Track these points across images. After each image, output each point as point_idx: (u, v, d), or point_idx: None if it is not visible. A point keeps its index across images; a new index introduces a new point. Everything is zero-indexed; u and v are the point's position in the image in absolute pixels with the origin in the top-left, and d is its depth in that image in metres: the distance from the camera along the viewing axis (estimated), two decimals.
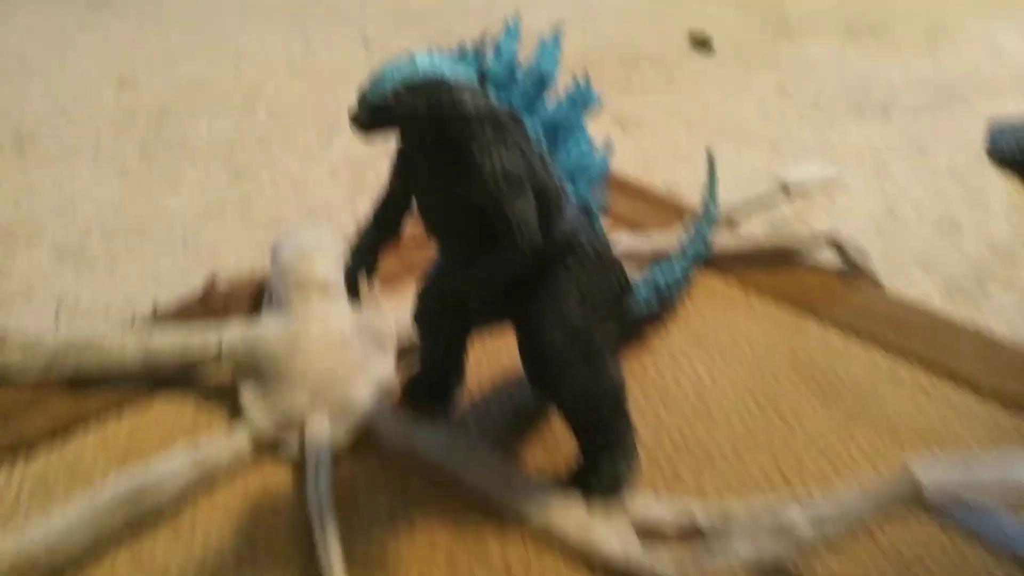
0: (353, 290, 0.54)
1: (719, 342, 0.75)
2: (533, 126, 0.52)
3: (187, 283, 0.81)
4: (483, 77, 0.49)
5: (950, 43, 1.72)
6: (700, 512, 0.55)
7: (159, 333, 0.67)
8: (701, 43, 1.61)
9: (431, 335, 0.62)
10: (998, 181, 1.12)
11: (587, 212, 0.56)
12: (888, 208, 1.03)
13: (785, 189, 0.92)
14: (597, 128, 0.59)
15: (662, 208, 0.97)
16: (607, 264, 0.56)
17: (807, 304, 0.81)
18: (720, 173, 0.83)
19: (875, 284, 0.86)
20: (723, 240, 0.85)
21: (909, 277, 0.88)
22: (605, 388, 0.54)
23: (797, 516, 0.51)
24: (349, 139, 1.14)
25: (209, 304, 0.75)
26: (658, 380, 0.70)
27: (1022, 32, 1.82)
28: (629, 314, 0.63)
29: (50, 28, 1.53)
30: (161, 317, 0.74)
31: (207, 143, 1.11)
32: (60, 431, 0.62)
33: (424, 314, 0.61)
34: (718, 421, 0.66)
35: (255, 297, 0.77)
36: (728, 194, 0.92)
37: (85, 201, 0.95)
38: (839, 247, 0.86)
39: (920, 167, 1.15)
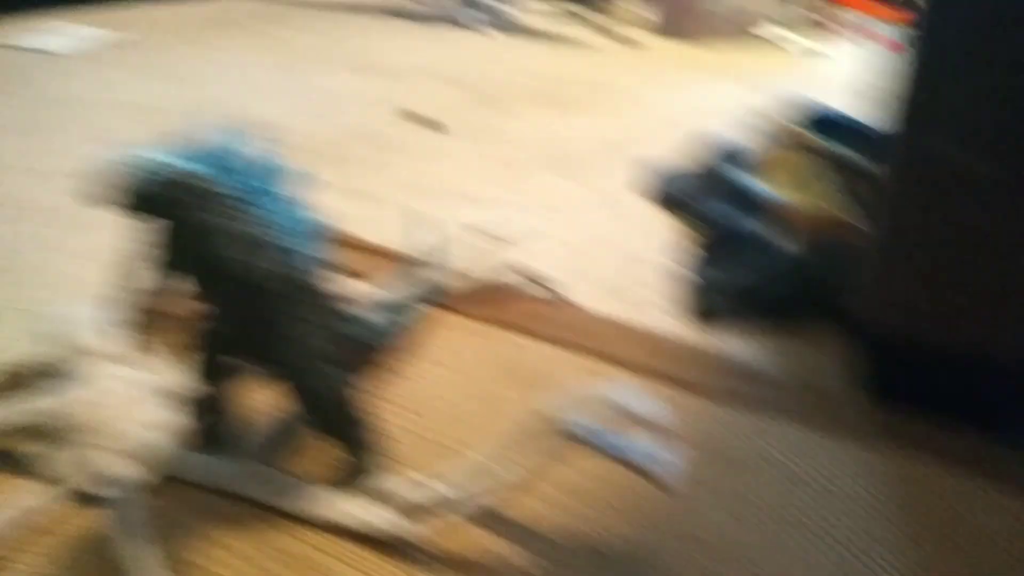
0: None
1: (447, 360, 0.99)
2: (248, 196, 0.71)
3: None
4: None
5: (627, 110, 2.15)
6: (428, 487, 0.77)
7: None
8: (427, 123, 1.89)
9: (207, 380, 0.79)
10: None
11: (311, 261, 0.75)
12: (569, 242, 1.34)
13: (492, 237, 1.19)
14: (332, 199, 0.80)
15: (387, 261, 1.19)
16: (327, 300, 0.75)
17: (508, 321, 1.07)
18: (434, 226, 1.08)
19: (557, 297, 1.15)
20: (450, 282, 1.10)
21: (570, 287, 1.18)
22: (331, 390, 0.75)
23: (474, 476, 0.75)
24: None
25: None
26: (401, 394, 0.92)
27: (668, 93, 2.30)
28: (355, 339, 0.83)
29: None
30: None
31: None
32: None
33: (204, 369, 0.78)
34: (448, 418, 0.89)
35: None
36: (441, 243, 1.17)
37: None
38: (536, 280, 1.15)
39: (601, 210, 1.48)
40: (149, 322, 0.72)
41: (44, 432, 0.77)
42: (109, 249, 1.18)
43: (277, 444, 0.83)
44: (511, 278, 1.15)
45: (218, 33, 2.74)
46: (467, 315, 1.08)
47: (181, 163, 0.65)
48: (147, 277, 0.71)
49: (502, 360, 1.00)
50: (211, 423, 0.82)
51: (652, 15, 3.22)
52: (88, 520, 0.73)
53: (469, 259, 1.23)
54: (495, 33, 2.99)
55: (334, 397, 0.74)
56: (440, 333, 1.04)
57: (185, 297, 0.73)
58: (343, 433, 0.76)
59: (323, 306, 0.75)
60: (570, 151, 1.78)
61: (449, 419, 0.89)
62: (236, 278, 0.67)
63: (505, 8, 3.08)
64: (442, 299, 1.10)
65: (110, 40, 2.52)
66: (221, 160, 0.68)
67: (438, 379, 0.96)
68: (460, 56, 2.60)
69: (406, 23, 3.07)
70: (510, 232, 1.23)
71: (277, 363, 0.74)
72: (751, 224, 1.29)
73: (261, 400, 0.88)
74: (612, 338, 1.05)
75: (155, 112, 1.87)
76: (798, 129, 1.50)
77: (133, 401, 0.80)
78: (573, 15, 3.37)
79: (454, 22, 3.09)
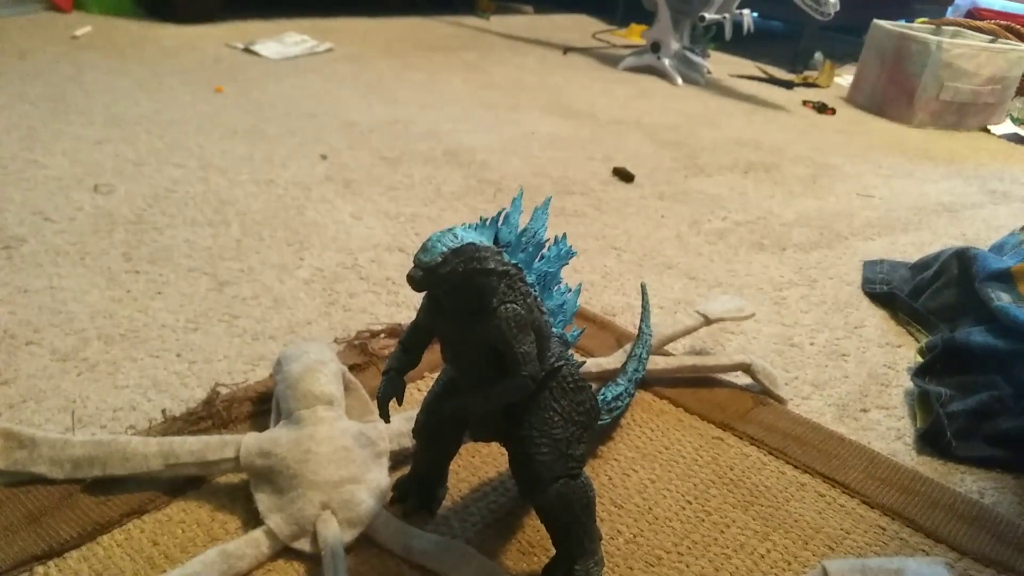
0: (384, 412, 0.65)
1: (655, 452, 0.89)
2: (530, 278, 0.66)
3: (186, 390, 0.90)
4: (497, 242, 0.63)
5: (830, 186, 2.00)
6: None
7: (179, 439, 0.75)
8: (624, 175, 1.82)
9: (428, 447, 0.74)
10: (872, 312, 1.34)
11: (565, 344, 0.70)
12: (785, 335, 1.22)
13: (705, 320, 1.09)
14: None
15: (604, 332, 1.12)
16: (581, 388, 0.69)
17: (725, 420, 0.96)
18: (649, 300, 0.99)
19: (780, 403, 1.02)
20: (656, 363, 1.00)
21: (804, 396, 1.06)
22: (581, 496, 0.66)
23: None
24: (317, 255, 1.25)
25: (213, 413, 0.84)
26: (608, 485, 0.83)
27: (883, 177, 2.13)
28: (595, 427, 0.76)
29: (17, 130, 1.59)
30: (171, 424, 0.82)
31: (187, 253, 1.20)
32: (88, 536, 0.69)
33: (426, 428, 0.72)
34: (660, 523, 0.79)
35: (255, 407, 0.86)
36: (655, 320, 1.08)
37: (79, 305, 1.02)
38: (751, 372, 1.03)
39: (810, 298, 1.35)
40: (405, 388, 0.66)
41: (267, 471, 0.73)
42: (332, 271, 1.18)
43: (487, 525, 0.75)
44: (731, 370, 1.04)
45: (420, 53, 2.80)
46: (677, 403, 0.98)
47: (491, 246, 0.60)
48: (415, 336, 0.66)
49: (721, 466, 0.89)
50: (422, 489, 0.76)
51: (854, 87, 3.04)
52: (291, 572, 0.68)
53: (685, 338, 1.13)
54: (692, 86, 2.90)
55: (573, 499, 0.66)
56: (646, 419, 0.95)
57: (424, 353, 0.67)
58: (568, 536, 0.68)
59: (575, 391, 0.68)
60: (779, 229, 1.66)
61: (660, 522, 0.79)
62: (523, 369, 0.61)
63: (705, 63, 2.98)
64: (653, 380, 1.01)
65: (317, 49, 2.61)
66: (528, 245, 0.63)
67: (646, 473, 0.86)
68: (656, 107, 2.53)
69: (598, 65, 3.04)
70: (733, 316, 1.12)
71: (520, 449, 0.66)
72: (1003, 345, 1.13)
73: (480, 474, 0.82)
74: (843, 461, 0.92)
75: (362, 128, 1.90)
76: None
77: (348, 453, 0.75)
78: (771, 77, 3.23)
79: (652, 71, 3.02)
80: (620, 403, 0.89)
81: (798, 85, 3.24)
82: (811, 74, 3.40)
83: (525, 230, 0.64)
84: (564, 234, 0.69)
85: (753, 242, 1.57)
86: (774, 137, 2.38)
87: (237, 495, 0.75)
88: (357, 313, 1.10)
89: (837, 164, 2.19)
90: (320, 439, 0.75)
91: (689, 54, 2.99)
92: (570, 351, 0.70)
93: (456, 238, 0.57)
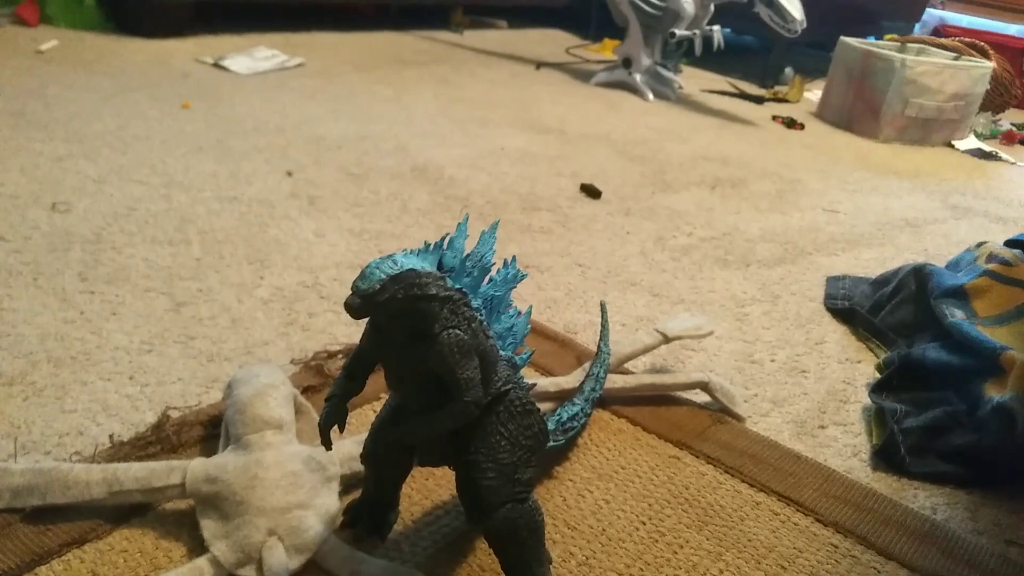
0: (326, 438, 0.65)
1: (612, 472, 0.89)
2: (476, 302, 0.66)
3: (137, 414, 0.88)
4: (441, 267, 0.62)
5: (795, 201, 2.02)
6: None
7: (123, 466, 0.74)
8: (591, 192, 1.82)
9: (377, 471, 0.73)
10: (833, 328, 1.35)
11: (514, 367, 0.70)
12: (746, 352, 1.22)
13: (664, 338, 1.09)
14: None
15: (564, 350, 1.12)
16: (529, 411, 0.69)
17: (683, 439, 0.96)
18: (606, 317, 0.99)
19: (738, 420, 1.03)
20: (615, 381, 1.00)
21: (763, 414, 1.06)
22: (529, 521, 0.66)
23: None
24: (278, 274, 1.24)
25: (163, 437, 0.83)
26: (562, 507, 0.83)
27: (848, 192, 2.16)
28: (543, 450, 0.76)
29: None
30: (118, 449, 0.81)
31: (144, 273, 1.18)
32: (25, 567, 0.68)
33: (374, 454, 0.71)
34: (613, 544, 0.79)
35: (206, 431, 0.85)
36: (616, 338, 1.08)
37: (27, 330, 1.01)
38: (709, 390, 1.04)
39: (772, 314, 1.36)
40: (347, 414, 0.65)
41: (214, 497, 0.72)
42: (292, 291, 1.18)
43: (439, 549, 0.75)
44: (689, 388, 1.04)
45: (391, 68, 2.80)
46: (635, 422, 0.98)
47: (434, 272, 0.60)
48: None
49: (676, 485, 0.89)
50: (372, 514, 0.75)
51: (822, 102, 3.08)
52: None
53: (645, 356, 1.13)
54: (663, 101, 2.92)
55: (520, 523, 0.66)
56: (603, 438, 0.95)
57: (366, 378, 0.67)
58: (516, 561, 0.67)
59: (522, 415, 0.67)
60: (744, 245, 1.67)
61: (613, 544, 0.79)
62: (465, 395, 0.61)
63: (676, 79, 3.00)
64: (611, 399, 1.01)
65: (288, 64, 2.60)
66: (473, 270, 0.63)
67: (601, 493, 0.86)
68: (626, 122, 2.54)
69: (570, 79, 3.05)
70: (692, 334, 1.12)
71: (466, 473, 0.66)
72: (957, 361, 1.14)
73: (433, 497, 0.81)
74: (799, 479, 0.92)
75: (329, 144, 1.89)
76: (1013, 257, 1.34)
77: (297, 479, 0.74)
78: (741, 92, 3.26)
79: (624, 86, 3.04)
80: (576, 423, 0.89)
81: (769, 100, 3.27)
82: (781, 89, 3.44)
83: (470, 255, 0.64)
84: (514, 256, 0.69)
85: (717, 258, 1.58)
86: (743, 152, 2.40)
87: (183, 522, 0.74)
88: (316, 333, 1.10)
89: (804, 179, 2.21)
90: (268, 464, 0.74)
91: (661, 69, 3.01)
92: (520, 374, 0.70)
93: (396, 264, 0.57)
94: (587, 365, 1.02)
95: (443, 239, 0.63)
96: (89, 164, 1.56)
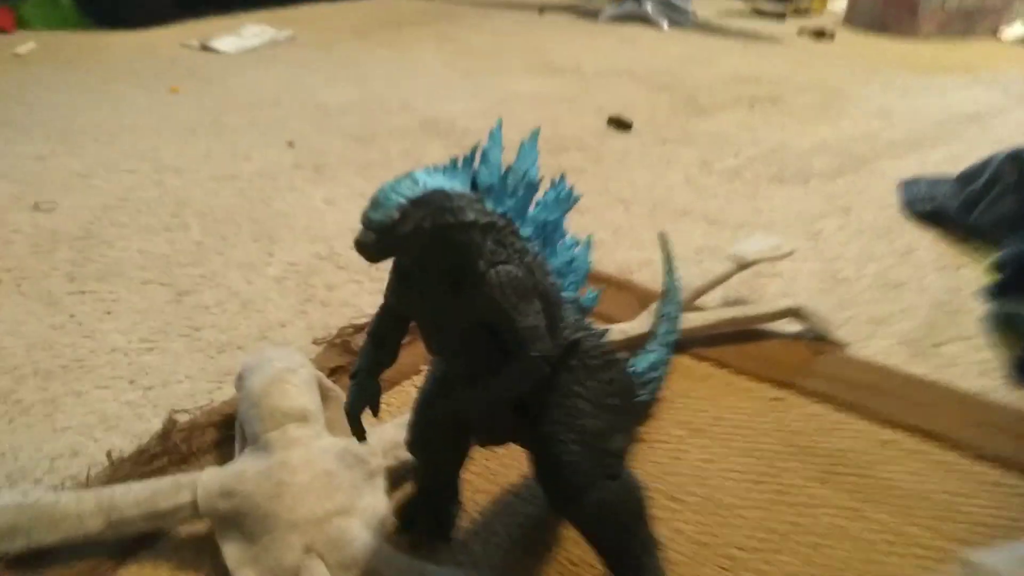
0: (357, 426, 0.51)
1: (707, 426, 0.74)
2: (525, 230, 0.51)
3: (140, 423, 0.75)
4: (476, 187, 0.47)
5: (842, 110, 1.84)
6: None
7: (121, 489, 0.60)
8: (621, 124, 1.65)
9: (428, 460, 0.59)
10: (920, 235, 1.18)
11: (581, 310, 0.55)
12: (829, 271, 1.06)
13: (739, 265, 0.93)
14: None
15: (623, 293, 0.97)
16: (610, 363, 0.54)
17: (783, 377, 0.81)
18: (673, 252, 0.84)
19: (840, 348, 0.87)
20: (690, 321, 0.85)
21: (866, 337, 0.90)
22: (628, 500, 0.52)
23: None
24: (288, 248, 1.10)
25: (170, 447, 0.69)
26: (657, 475, 0.68)
27: (897, 94, 1.96)
28: (638, 409, 0.61)
29: None
30: (118, 468, 0.68)
31: (140, 264, 1.05)
32: None
33: (421, 439, 0.57)
34: (727, 513, 0.64)
35: (220, 433, 0.71)
36: (682, 273, 0.92)
37: (12, 341, 0.88)
38: (802, 316, 0.88)
39: (847, 228, 1.20)
40: (380, 394, 0.51)
41: (234, 514, 0.59)
42: (307, 264, 1.04)
43: (517, 548, 0.61)
44: (778, 318, 0.89)
45: (389, 31, 2.63)
46: (723, 364, 0.83)
47: (468, 193, 0.45)
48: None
49: (786, 432, 0.74)
50: (431, 511, 0.61)
51: (850, 8, 2.86)
52: None
53: (721, 290, 0.97)
54: (679, 29, 2.72)
55: (618, 505, 0.51)
56: (690, 387, 0.80)
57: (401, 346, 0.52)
58: (619, 552, 0.53)
59: (602, 368, 0.53)
60: (798, 160, 1.50)
61: (726, 512, 0.64)
62: (531, 347, 0.46)
63: (689, 6, 2.80)
64: (690, 341, 0.85)
65: (278, 38, 2.46)
66: (517, 188, 0.48)
67: (700, 452, 0.71)
68: (644, 54, 2.36)
69: (577, 21, 2.86)
70: (770, 256, 0.96)
71: (542, 451, 0.51)
72: None
73: (500, 480, 0.67)
74: (930, 407, 0.77)
75: (331, 111, 1.74)
76: None
77: (332, 479, 0.60)
78: (758, 11, 3.05)
79: (636, 20, 2.85)
80: (657, 373, 0.74)
81: (790, 16, 3.06)
82: (802, 2, 3.21)
83: (511, 169, 0.49)
84: (563, 174, 0.54)
85: (772, 176, 1.41)
86: (774, 69, 2.21)
87: (202, 549, 0.60)
88: (338, 307, 0.96)
89: (846, 88, 2.02)
90: (294, 466, 0.60)
91: None
92: (588, 319, 0.55)
93: (417, 184, 0.42)
94: (654, 307, 0.87)
95: (473, 151, 0.48)
96: (74, 159, 1.42)
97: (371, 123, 1.66)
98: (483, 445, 0.57)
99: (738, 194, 1.33)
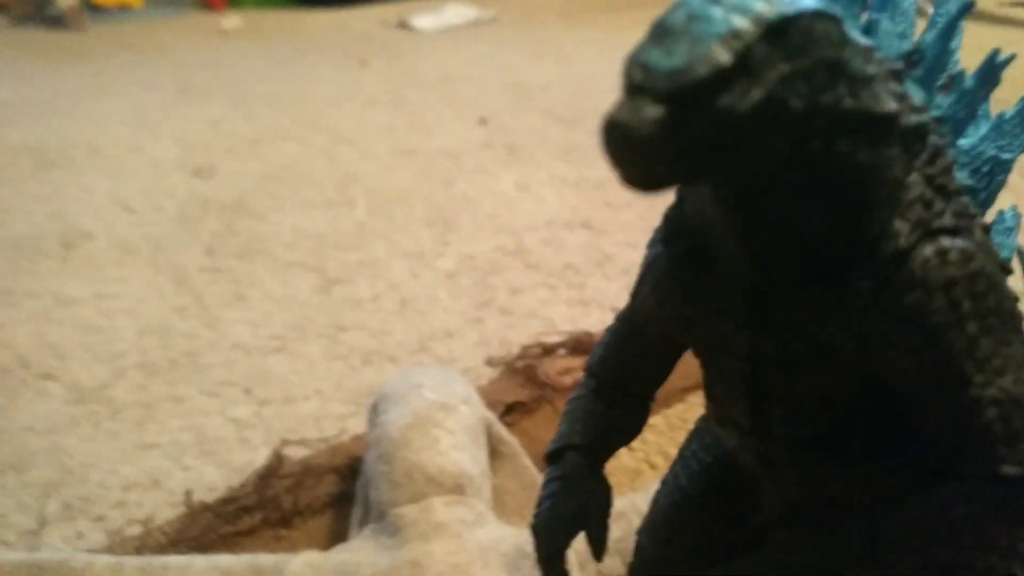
0: (556, 572, 0.26)
1: None
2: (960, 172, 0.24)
3: (244, 452, 0.55)
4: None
5: None
6: None
7: (178, 564, 0.39)
8: None
9: None
10: None
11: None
12: None
13: None
14: None
15: None
16: None
17: None
18: None
19: None
20: None
21: None
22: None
23: None
24: (467, 238, 0.89)
25: (268, 499, 0.48)
26: None
27: None
28: None
29: (131, 116, 1.36)
30: (194, 519, 0.47)
31: (289, 243, 0.87)
32: None
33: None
34: None
35: (344, 485, 0.49)
36: None
37: (126, 323, 0.71)
38: None
39: None
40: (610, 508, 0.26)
41: None
42: (487, 259, 0.83)
43: None
44: None
45: (600, 13, 2.42)
46: None
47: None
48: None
49: None
50: None
51: None
52: None
53: None
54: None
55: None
56: None
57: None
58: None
59: None
60: None
61: None
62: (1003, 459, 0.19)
63: None
64: None
65: (481, 18, 2.30)
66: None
67: None
68: None
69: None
70: None
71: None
72: None
73: None
74: None
75: (530, 88, 1.53)
76: None
77: None
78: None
79: None
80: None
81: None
82: None
83: (926, 35, 0.22)
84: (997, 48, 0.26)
85: None
86: None
87: None
88: (523, 318, 0.72)
89: None
90: (437, 569, 0.36)
91: None
92: None
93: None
94: None
95: None
96: (245, 125, 1.30)
97: (576, 102, 1.43)
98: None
99: None
